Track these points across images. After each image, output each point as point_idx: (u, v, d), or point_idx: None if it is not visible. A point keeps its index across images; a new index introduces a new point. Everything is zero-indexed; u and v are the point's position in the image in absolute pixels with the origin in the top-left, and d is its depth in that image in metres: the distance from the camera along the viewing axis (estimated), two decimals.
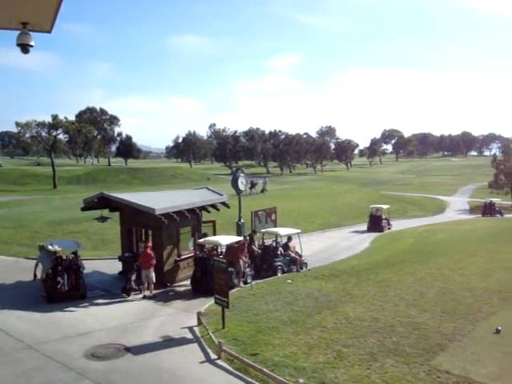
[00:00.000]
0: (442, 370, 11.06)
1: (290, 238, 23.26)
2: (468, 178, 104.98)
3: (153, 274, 18.34)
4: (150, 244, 18.90)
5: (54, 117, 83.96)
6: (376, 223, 38.79)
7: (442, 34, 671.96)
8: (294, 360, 11.86)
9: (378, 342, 12.80)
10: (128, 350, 13.10)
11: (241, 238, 20.70)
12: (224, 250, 19.94)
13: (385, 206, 41.19)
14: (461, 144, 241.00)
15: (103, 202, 21.17)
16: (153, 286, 18.50)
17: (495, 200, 52.25)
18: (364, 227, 39.38)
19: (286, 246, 22.89)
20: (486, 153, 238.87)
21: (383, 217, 40.04)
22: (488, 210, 50.28)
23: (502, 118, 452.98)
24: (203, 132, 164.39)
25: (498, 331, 13.13)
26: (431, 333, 13.35)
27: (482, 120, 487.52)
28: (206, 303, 16.90)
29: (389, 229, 39.48)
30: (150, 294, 18.31)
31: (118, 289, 18.83)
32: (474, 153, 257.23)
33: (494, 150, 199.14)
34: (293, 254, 22.68)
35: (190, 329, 14.69)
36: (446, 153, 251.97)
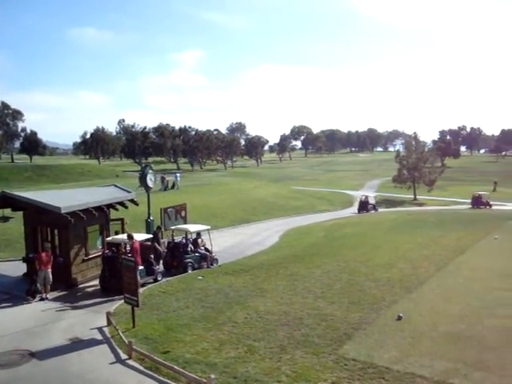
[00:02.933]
0: (348, 358, 11.55)
1: (199, 235, 23.22)
2: (374, 173, 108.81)
3: (50, 275, 17.92)
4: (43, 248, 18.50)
5: None
6: (364, 207, 50.52)
7: (342, 34, 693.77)
8: (206, 356, 11.92)
9: (287, 335, 13.11)
10: (33, 355, 12.61)
11: (150, 236, 20.50)
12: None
13: (371, 195, 55.92)
14: (367, 140, 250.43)
15: (5, 201, 20.25)
16: (49, 287, 18.04)
17: (483, 193, 55.65)
18: (276, 223, 41.08)
19: (195, 243, 22.81)
20: (391, 149, 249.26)
21: (369, 202, 51.99)
22: (476, 202, 54.23)
23: (404, 115, 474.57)
24: (112, 128, 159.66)
25: (399, 318, 13.95)
26: (338, 323, 13.86)
27: (387, 117, 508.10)
28: (116, 303, 16.62)
29: (375, 211, 50.84)
30: (48, 295, 17.88)
31: (22, 291, 18.05)
32: (379, 149, 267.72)
33: (398, 146, 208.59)
34: (203, 251, 22.66)
35: (100, 329, 14.38)
36: (353, 149, 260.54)
